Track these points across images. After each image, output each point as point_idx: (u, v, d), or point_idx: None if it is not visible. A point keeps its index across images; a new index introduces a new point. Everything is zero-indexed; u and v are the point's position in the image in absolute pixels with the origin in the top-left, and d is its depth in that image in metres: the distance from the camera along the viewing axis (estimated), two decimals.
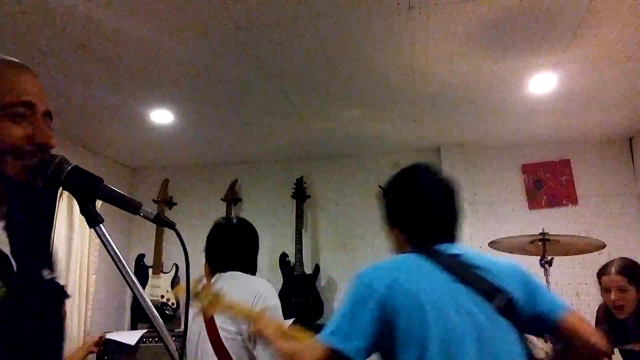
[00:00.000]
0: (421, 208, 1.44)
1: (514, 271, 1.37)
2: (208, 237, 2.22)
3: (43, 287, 1.01)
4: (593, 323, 2.88)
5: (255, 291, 1.92)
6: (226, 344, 1.88)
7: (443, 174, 1.53)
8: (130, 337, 3.81)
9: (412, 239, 1.44)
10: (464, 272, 1.30)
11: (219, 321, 1.92)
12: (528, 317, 1.31)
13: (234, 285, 2.00)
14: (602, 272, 2.70)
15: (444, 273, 1.29)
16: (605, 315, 2.78)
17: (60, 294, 1.06)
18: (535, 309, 1.33)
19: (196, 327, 1.99)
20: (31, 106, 0.93)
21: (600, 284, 2.71)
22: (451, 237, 1.43)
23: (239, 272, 2.08)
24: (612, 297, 2.58)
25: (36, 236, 1.04)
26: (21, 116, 0.92)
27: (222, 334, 1.90)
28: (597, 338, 1.32)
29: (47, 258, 1.06)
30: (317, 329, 4.14)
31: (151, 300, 0.96)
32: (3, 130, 0.89)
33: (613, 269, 2.61)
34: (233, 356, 1.86)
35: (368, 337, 1.22)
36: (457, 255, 1.35)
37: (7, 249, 0.95)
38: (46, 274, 1.03)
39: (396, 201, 1.53)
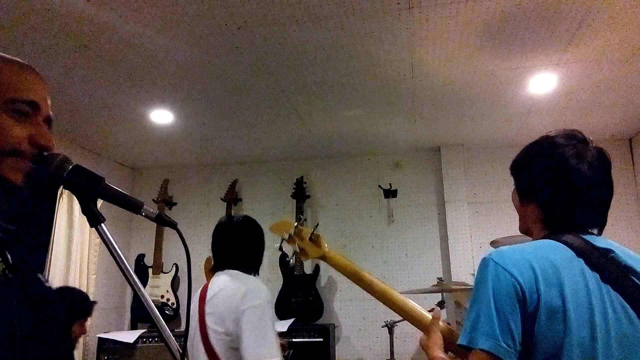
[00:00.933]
0: (569, 184, 1.17)
1: None
2: (212, 236, 2.23)
3: (37, 289, 1.00)
4: None
5: (243, 290, 1.90)
6: (214, 344, 1.87)
7: (597, 145, 1.27)
8: (128, 336, 3.82)
9: (551, 221, 1.19)
10: (617, 275, 1.10)
11: (209, 321, 1.93)
12: None
13: (224, 283, 2.01)
14: None
15: (593, 272, 1.09)
16: None
17: (53, 300, 1.04)
18: None
19: (193, 324, 2.00)
20: (36, 107, 0.92)
21: None
22: (600, 224, 1.21)
23: (236, 271, 2.07)
24: None
25: (35, 239, 1.03)
26: (24, 115, 0.91)
27: (210, 333, 1.90)
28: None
29: (42, 264, 1.05)
30: (317, 329, 4.13)
31: (151, 300, 0.95)
32: (4, 128, 0.89)
33: None
34: (220, 356, 1.86)
35: (518, 336, 1.04)
36: (608, 252, 1.13)
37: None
38: (41, 277, 1.03)
39: (538, 170, 1.24)
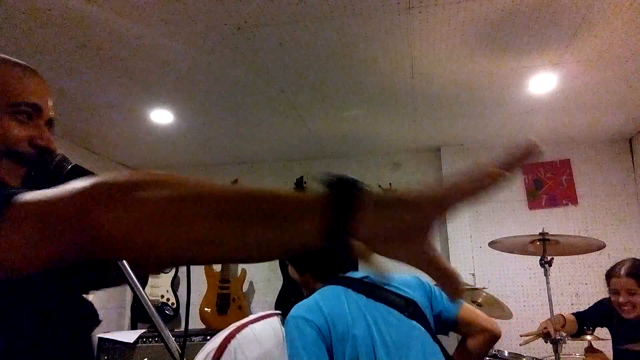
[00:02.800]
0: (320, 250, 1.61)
1: (416, 282, 1.61)
2: None
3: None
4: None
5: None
6: None
7: None
8: (128, 336, 3.82)
9: (321, 277, 1.62)
10: (374, 290, 1.50)
11: None
12: (433, 317, 1.57)
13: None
14: (610, 273, 2.67)
15: (359, 294, 1.49)
16: (608, 313, 2.76)
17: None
18: (436, 310, 1.59)
19: None
20: (38, 110, 0.93)
21: (608, 284, 2.68)
22: (353, 266, 1.64)
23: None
24: (621, 299, 2.55)
25: None
26: (27, 116, 0.91)
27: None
28: (487, 322, 1.61)
29: None
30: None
31: (151, 301, 0.95)
32: (6, 129, 0.89)
33: (622, 271, 2.58)
34: None
35: None
36: (365, 277, 1.55)
37: None
38: None
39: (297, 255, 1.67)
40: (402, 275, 1.61)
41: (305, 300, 1.52)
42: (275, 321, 1.75)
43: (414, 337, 1.44)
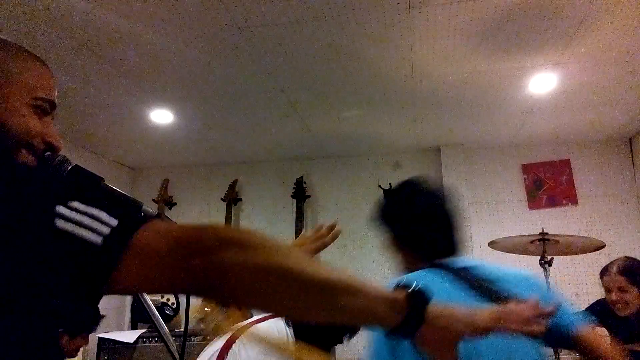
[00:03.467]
0: (428, 225, 1.43)
1: (529, 282, 1.38)
2: None
3: None
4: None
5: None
6: None
7: (437, 186, 1.54)
8: (128, 336, 3.82)
9: (424, 257, 1.42)
10: (482, 285, 1.30)
11: None
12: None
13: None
14: (603, 271, 2.70)
15: (462, 286, 1.30)
16: (605, 312, 2.77)
17: None
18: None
19: None
20: (53, 107, 0.95)
21: (602, 283, 2.71)
22: (456, 251, 1.45)
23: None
24: (613, 297, 2.58)
25: None
26: (44, 112, 0.93)
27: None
28: (609, 354, 1.34)
29: None
30: (316, 328, 4.09)
31: (151, 300, 0.95)
32: (28, 122, 0.90)
33: (614, 269, 2.61)
34: None
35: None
36: (468, 268, 1.36)
37: None
38: None
39: (400, 223, 1.50)
40: (514, 270, 1.44)
41: (398, 278, 1.32)
42: (280, 321, 1.76)
43: (516, 347, 1.26)
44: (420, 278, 1.29)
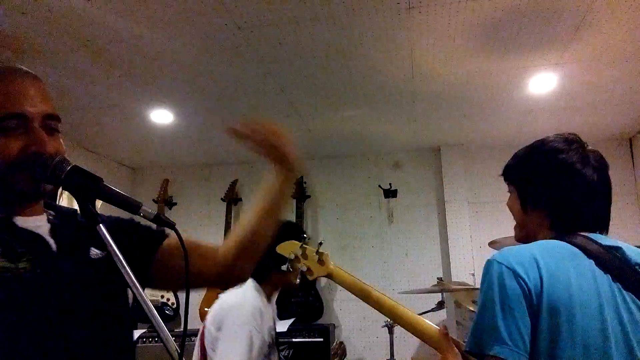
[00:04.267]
0: (575, 188, 1.19)
1: None
2: None
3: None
4: None
5: (229, 304, 1.91)
6: (207, 344, 1.90)
7: (591, 148, 1.27)
8: None
9: (558, 225, 1.19)
10: (626, 272, 1.08)
11: (208, 322, 1.94)
12: None
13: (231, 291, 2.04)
14: None
15: (601, 270, 1.07)
16: None
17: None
18: None
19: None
20: (24, 118, 0.92)
21: None
22: (605, 225, 1.21)
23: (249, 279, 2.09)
24: None
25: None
26: (14, 129, 0.91)
27: (206, 333, 1.92)
28: None
29: None
30: (317, 329, 4.12)
31: (151, 300, 0.95)
32: (2, 148, 0.90)
33: None
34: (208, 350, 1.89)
35: (527, 336, 1.03)
36: (616, 249, 1.11)
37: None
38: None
39: (544, 176, 1.24)
40: None
41: (517, 247, 1.12)
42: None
43: None
44: (551, 250, 1.10)
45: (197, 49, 2.65)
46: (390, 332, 3.41)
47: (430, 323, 1.38)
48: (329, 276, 1.62)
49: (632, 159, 4.23)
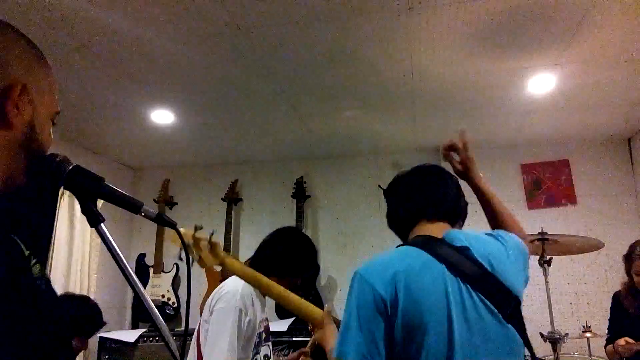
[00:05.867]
0: (404, 197, 1.51)
1: (518, 256, 1.31)
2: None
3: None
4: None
5: (219, 291, 1.95)
6: (202, 334, 1.95)
7: (425, 165, 1.63)
8: (129, 336, 3.83)
9: (411, 224, 1.41)
10: (474, 272, 1.17)
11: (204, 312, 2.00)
12: None
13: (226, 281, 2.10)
14: (630, 256, 2.69)
15: (451, 274, 1.16)
16: (618, 307, 2.77)
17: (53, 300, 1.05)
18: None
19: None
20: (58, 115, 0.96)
21: (630, 267, 2.69)
22: (445, 218, 1.41)
23: None
24: None
25: (36, 239, 1.05)
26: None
27: (202, 323, 1.96)
28: None
29: (43, 264, 1.06)
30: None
31: (152, 300, 0.96)
32: (50, 139, 0.91)
33: None
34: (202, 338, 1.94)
35: (384, 347, 1.12)
36: (465, 249, 1.21)
37: None
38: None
39: (388, 205, 1.56)
40: (509, 243, 1.34)
41: (380, 259, 1.23)
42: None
43: (505, 350, 1.15)
44: (401, 256, 1.22)
45: (197, 49, 2.66)
46: None
47: (315, 308, 1.58)
48: (221, 265, 1.72)
49: (631, 159, 4.24)
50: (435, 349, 1.09)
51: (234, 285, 1.98)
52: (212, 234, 1.68)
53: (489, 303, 1.15)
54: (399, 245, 1.30)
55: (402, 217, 1.44)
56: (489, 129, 4.01)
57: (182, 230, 1.75)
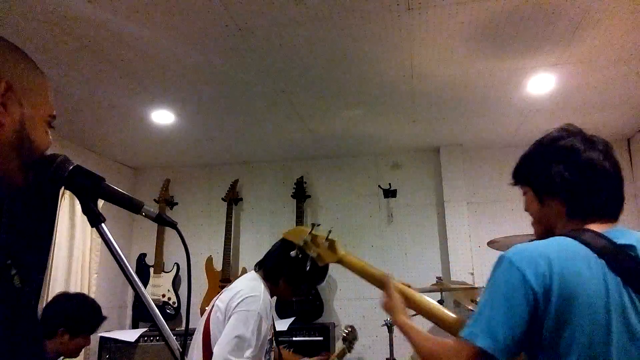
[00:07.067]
0: (585, 170, 1.20)
1: None
2: None
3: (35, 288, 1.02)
4: None
5: (242, 293, 1.96)
6: (212, 328, 1.95)
7: (593, 134, 1.29)
8: (130, 335, 3.84)
9: (575, 210, 1.20)
10: (637, 273, 1.06)
11: (216, 308, 2.01)
12: None
13: (240, 279, 2.17)
14: None
15: (615, 276, 1.05)
16: None
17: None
18: None
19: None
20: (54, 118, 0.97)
21: None
22: (618, 208, 1.24)
23: (255, 274, 2.14)
24: None
25: (36, 239, 1.05)
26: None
27: (212, 318, 1.98)
28: None
29: (43, 264, 1.06)
30: (317, 327, 4.12)
31: (152, 300, 0.97)
32: (49, 138, 0.92)
33: None
34: (214, 334, 1.94)
35: (519, 338, 1.04)
36: (630, 248, 1.10)
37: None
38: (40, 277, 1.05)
39: (556, 165, 1.23)
40: None
41: (532, 246, 1.11)
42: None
43: None
44: (560, 248, 1.09)
45: (198, 49, 2.67)
46: (390, 331, 3.42)
47: (443, 308, 1.40)
48: (340, 262, 1.61)
49: (630, 159, 4.24)
50: (587, 353, 1.01)
51: (252, 288, 2.00)
52: (330, 231, 1.63)
53: None
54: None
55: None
56: (488, 129, 4.02)
57: (299, 227, 1.72)
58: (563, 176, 1.20)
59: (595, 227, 1.16)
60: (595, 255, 1.07)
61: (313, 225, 1.68)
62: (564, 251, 1.09)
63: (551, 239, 1.13)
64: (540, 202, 1.26)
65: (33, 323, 1.00)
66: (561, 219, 1.21)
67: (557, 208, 1.21)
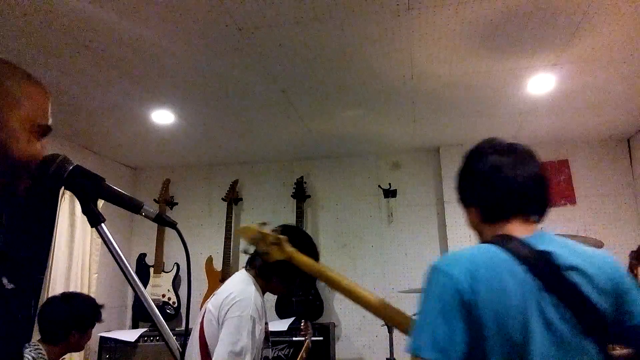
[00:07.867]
0: (498, 180, 1.25)
1: (610, 271, 1.15)
2: None
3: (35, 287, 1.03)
4: None
5: (233, 297, 1.95)
6: (206, 330, 1.94)
7: (519, 145, 1.37)
8: (130, 335, 3.84)
9: (488, 215, 1.25)
10: (554, 279, 1.10)
11: (209, 309, 1.99)
12: (617, 331, 1.13)
13: (231, 280, 2.13)
14: None
15: (534, 280, 1.09)
16: None
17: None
18: (626, 323, 1.13)
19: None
20: (49, 131, 0.96)
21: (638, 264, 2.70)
22: (538, 214, 1.25)
23: (243, 272, 2.14)
24: None
25: (37, 239, 1.05)
26: (43, 137, 0.94)
27: (205, 321, 1.96)
28: None
29: (43, 264, 1.07)
30: (317, 327, 4.11)
31: (152, 300, 0.97)
32: (35, 146, 0.91)
33: None
34: (209, 343, 1.93)
35: (462, 344, 1.06)
36: (547, 254, 1.13)
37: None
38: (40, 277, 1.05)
39: (463, 176, 1.35)
40: (596, 257, 1.17)
41: (459, 253, 1.16)
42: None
43: (573, 354, 1.08)
44: (480, 255, 1.14)
45: (197, 49, 2.67)
46: (390, 331, 3.43)
47: (390, 304, 1.49)
48: (290, 260, 1.71)
49: (630, 159, 4.24)
50: (508, 349, 1.05)
51: (242, 291, 1.98)
52: (277, 229, 1.71)
53: (568, 312, 1.08)
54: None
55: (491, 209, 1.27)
56: (488, 129, 4.02)
57: (248, 225, 1.80)
58: (472, 185, 1.30)
59: (517, 228, 1.20)
60: (518, 261, 1.11)
61: (260, 224, 1.76)
62: (489, 259, 1.13)
63: (475, 246, 1.19)
64: (467, 212, 1.34)
65: (26, 323, 1.00)
66: (482, 224, 1.27)
67: (475, 215, 1.29)
